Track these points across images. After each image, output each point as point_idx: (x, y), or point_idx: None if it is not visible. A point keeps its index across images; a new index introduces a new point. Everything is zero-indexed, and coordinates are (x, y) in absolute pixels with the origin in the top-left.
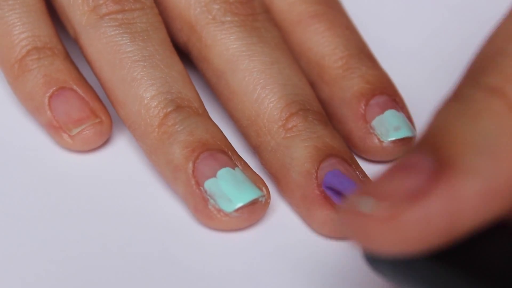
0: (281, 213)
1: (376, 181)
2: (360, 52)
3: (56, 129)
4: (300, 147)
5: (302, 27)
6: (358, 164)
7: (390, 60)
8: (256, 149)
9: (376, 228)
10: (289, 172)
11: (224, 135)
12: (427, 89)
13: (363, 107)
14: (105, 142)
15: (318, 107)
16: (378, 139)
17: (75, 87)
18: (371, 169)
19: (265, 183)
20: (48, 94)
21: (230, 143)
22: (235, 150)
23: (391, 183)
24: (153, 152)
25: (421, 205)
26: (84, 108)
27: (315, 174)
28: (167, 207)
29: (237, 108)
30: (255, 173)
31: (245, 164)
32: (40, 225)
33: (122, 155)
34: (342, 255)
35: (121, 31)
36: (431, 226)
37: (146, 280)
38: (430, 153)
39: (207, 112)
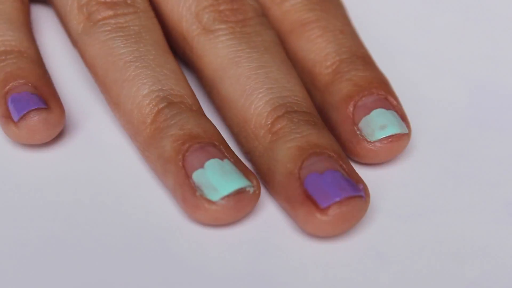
0: (274, 210)
1: None
2: (353, 55)
3: (6, 119)
4: (283, 149)
5: (295, 37)
6: (346, 160)
7: (393, 60)
8: (247, 155)
9: None
10: (274, 175)
11: (218, 131)
12: (428, 88)
13: (351, 109)
14: (103, 141)
15: (308, 107)
16: (366, 140)
17: (32, 83)
18: (366, 173)
19: (255, 177)
20: (5, 89)
21: (223, 138)
22: (228, 145)
23: None
24: (146, 148)
25: None
26: (33, 97)
27: (297, 174)
28: (162, 206)
29: (227, 115)
30: (246, 167)
31: (236, 158)
32: (38, 223)
33: (118, 153)
34: (334, 253)
35: (113, 35)
36: None
37: (141, 279)
38: None
39: (202, 110)
